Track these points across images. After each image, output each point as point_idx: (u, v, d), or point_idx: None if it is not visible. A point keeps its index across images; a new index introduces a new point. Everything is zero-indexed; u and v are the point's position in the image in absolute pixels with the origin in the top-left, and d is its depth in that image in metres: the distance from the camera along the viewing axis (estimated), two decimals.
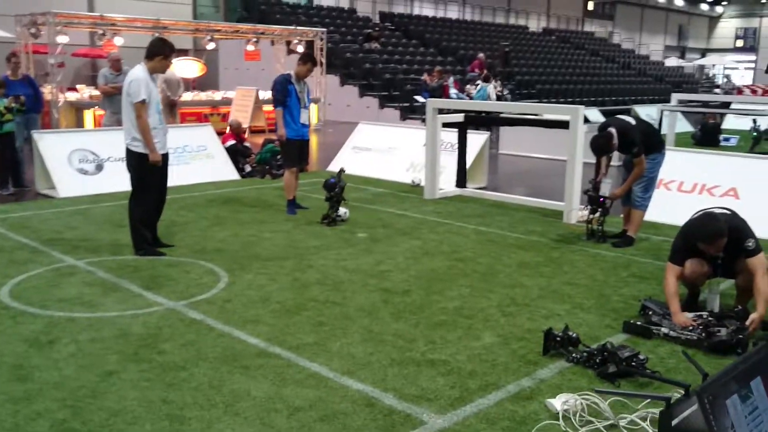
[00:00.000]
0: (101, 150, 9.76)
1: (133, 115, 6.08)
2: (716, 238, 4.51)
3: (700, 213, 4.76)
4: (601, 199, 6.85)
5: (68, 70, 23.77)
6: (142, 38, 18.13)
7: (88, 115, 15.23)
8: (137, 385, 3.73)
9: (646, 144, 6.77)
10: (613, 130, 6.72)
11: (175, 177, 10.04)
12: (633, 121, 6.97)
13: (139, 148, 6.15)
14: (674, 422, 1.46)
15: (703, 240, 4.57)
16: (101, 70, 11.64)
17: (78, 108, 15.50)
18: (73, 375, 3.83)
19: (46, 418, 3.35)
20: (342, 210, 7.72)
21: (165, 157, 6.40)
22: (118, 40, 15.96)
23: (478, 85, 20.00)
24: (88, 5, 23.82)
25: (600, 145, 6.81)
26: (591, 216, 7.05)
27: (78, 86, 17.65)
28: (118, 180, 9.45)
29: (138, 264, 6.02)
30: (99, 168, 9.64)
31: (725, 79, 28.57)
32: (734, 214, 4.71)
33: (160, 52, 6.24)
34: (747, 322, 4.38)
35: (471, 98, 19.04)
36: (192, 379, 3.80)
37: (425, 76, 19.54)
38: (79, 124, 15.18)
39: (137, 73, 6.14)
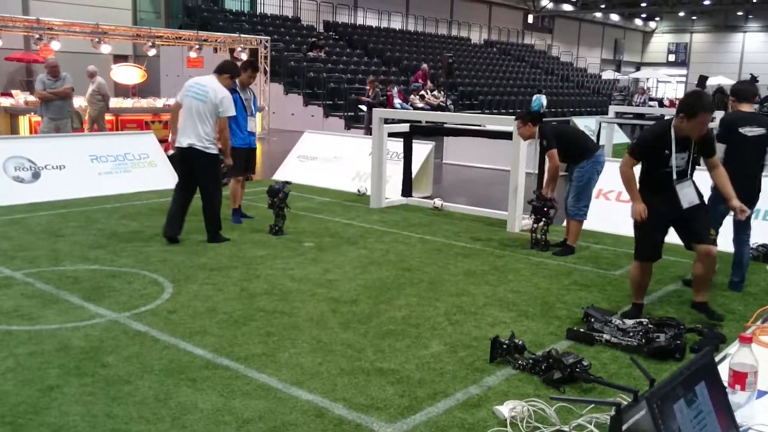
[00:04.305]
0: (38, 157, 9.49)
1: (213, 122, 6.93)
2: (710, 111, 4.74)
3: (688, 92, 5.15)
4: (545, 209, 7.01)
5: (1, 75, 23.07)
6: (80, 43, 17.75)
7: (24, 122, 14.76)
8: (80, 399, 3.63)
9: (573, 150, 7.00)
10: (539, 127, 7.18)
11: (117, 185, 9.92)
12: (565, 126, 7.35)
13: (215, 150, 7.01)
14: (624, 427, 1.52)
15: (705, 109, 4.71)
16: (39, 75, 11.33)
17: (12, 114, 15.01)
18: (12, 390, 3.70)
19: None
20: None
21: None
22: (56, 45, 15.55)
23: (423, 95, 20.30)
24: (22, 8, 23.14)
25: (519, 113, 7.40)
26: (535, 225, 7.20)
27: (13, 91, 17.09)
28: (56, 189, 9.26)
29: (78, 275, 5.87)
30: (36, 176, 9.37)
31: (641, 95, 28.75)
32: None
33: (231, 71, 7.30)
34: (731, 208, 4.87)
35: (415, 108, 19.29)
36: (137, 393, 3.73)
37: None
38: (13, 130, 14.70)
39: (225, 90, 7.04)
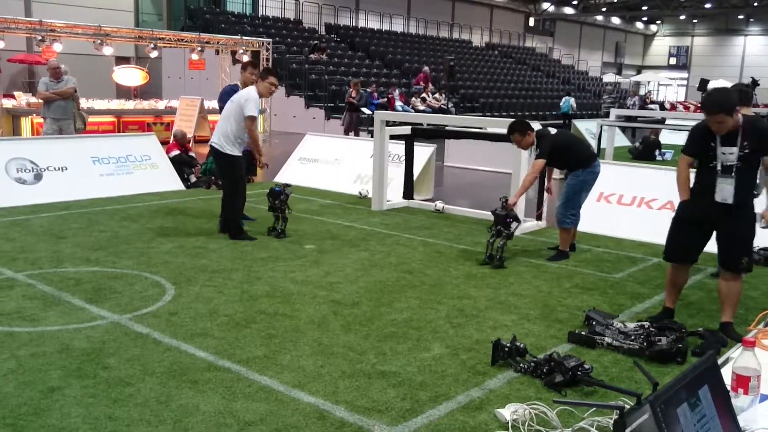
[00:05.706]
0: (40, 159, 9.50)
1: (236, 123, 7.18)
2: (714, 110, 4.40)
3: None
4: (507, 219, 6.57)
5: (4, 76, 23.10)
6: (82, 45, 17.78)
7: (26, 123, 14.80)
8: (81, 401, 3.63)
9: (570, 159, 6.90)
10: (537, 132, 6.93)
11: (119, 187, 9.92)
12: (565, 135, 7.12)
13: (234, 151, 7.26)
14: (627, 430, 1.51)
15: (704, 108, 4.48)
16: (41, 78, 11.35)
17: (15, 115, 15.05)
18: (13, 392, 3.70)
19: None
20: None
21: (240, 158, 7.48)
22: (58, 47, 15.57)
23: (425, 98, 20.32)
24: (25, 10, 23.19)
25: (514, 124, 7.00)
26: (492, 238, 6.64)
27: (15, 93, 17.13)
28: (58, 190, 9.27)
29: (80, 276, 5.87)
30: (38, 178, 9.37)
31: (634, 97, 28.05)
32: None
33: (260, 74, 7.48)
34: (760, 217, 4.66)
35: (416, 110, 19.31)
36: (138, 395, 3.73)
37: (372, 88, 19.63)
38: (15, 131, 14.74)
39: (253, 92, 7.21)
